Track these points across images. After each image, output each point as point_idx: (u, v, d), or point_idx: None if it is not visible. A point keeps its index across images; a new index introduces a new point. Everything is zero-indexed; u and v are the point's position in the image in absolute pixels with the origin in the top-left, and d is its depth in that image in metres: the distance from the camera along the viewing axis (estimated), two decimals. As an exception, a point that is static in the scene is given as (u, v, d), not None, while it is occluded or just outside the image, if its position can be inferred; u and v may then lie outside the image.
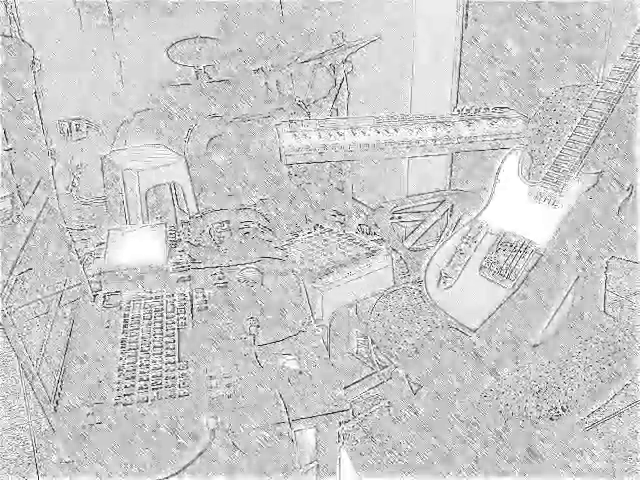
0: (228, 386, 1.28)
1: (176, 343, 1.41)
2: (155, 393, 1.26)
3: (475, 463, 1.63)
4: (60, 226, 1.56)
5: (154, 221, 2.65)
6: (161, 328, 1.48)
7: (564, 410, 1.54)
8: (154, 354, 1.38)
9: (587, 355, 1.65)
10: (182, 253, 1.80)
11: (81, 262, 1.64)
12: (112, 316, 1.54)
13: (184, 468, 1.13)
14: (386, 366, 2.01)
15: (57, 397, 1.25)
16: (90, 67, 3.09)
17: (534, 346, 1.68)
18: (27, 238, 1.30)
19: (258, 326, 1.48)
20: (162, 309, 1.55)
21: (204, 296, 1.61)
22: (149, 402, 1.25)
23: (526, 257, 1.74)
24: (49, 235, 1.46)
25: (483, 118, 2.41)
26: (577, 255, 1.71)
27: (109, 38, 3.10)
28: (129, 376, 1.32)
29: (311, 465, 1.29)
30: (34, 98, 2.57)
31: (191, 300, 1.59)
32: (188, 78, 3.12)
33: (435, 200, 2.43)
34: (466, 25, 2.58)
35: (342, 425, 1.26)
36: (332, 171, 3.04)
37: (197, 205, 2.83)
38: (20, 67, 2.49)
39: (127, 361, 1.36)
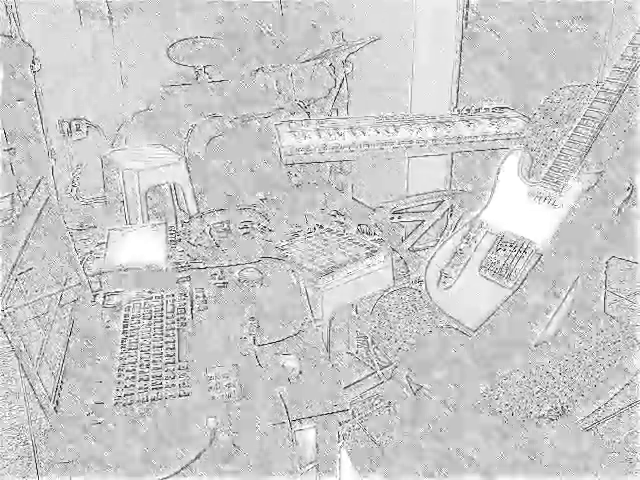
0: (228, 386, 1.28)
1: (176, 343, 1.41)
2: (155, 393, 1.26)
3: (475, 463, 1.63)
4: (60, 226, 1.56)
5: (154, 221, 2.65)
6: (161, 328, 1.48)
7: (564, 410, 1.54)
8: (154, 354, 1.38)
9: (587, 355, 1.65)
10: (182, 253, 1.80)
11: (81, 262, 1.64)
12: (112, 316, 1.54)
13: (184, 468, 1.13)
14: (386, 366, 2.01)
15: (57, 397, 1.25)
16: (90, 67, 3.09)
17: (534, 346, 1.68)
18: (27, 238, 1.30)
19: (258, 326, 1.48)
20: (162, 309, 1.55)
21: (204, 296, 1.60)
22: (149, 402, 1.25)
23: (526, 257, 1.74)
24: (49, 235, 1.46)
25: (483, 118, 2.41)
26: (577, 255, 1.71)
27: (109, 38, 3.10)
28: (129, 376, 1.32)
29: (311, 465, 1.29)
30: (34, 98, 2.57)
31: (191, 300, 1.59)
32: (188, 78, 3.13)
33: (435, 200, 2.43)
34: (466, 25, 2.58)
35: (342, 425, 1.26)
36: (332, 171, 3.05)
37: (197, 205, 2.83)
38: (20, 67, 2.49)
39: (127, 361, 1.36)
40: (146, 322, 1.50)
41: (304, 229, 2.22)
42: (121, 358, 1.37)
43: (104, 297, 1.61)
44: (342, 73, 2.85)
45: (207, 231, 1.99)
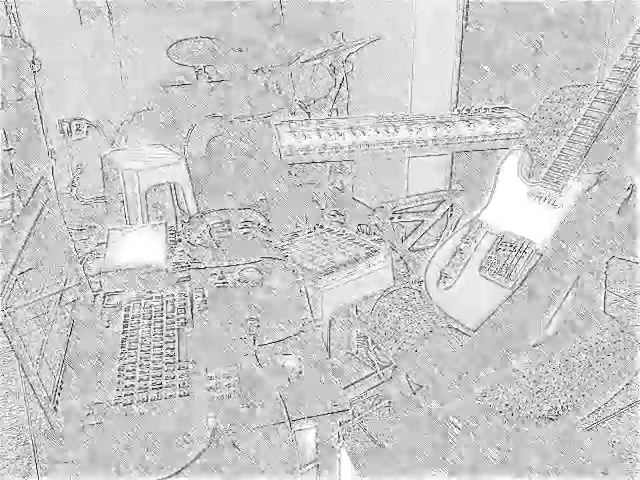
0: (228, 386, 1.28)
1: (176, 343, 1.41)
2: (155, 393, 1.26)
3: (474, 463, 1.63)
4: (60, 226, 1.56)
5: (154, 221, 2.65)
6: (161, 328, 1.48)
7: (564, 410, 1.54)
8: (154, 354, 1.38)
9: (587, 355, 1.65)
10: (182, 253, 1.79)
11: (81, 262, 1.64)
12: (112, 316, 1.54)
13: (184, 468, 1.13)
14: (386, 366, 2.01)
15: (57, 397, 1.25)
16: (90, 67, 3.09)
17: (534, 346, 1.68)
18: (27, 238, 1.30)
19: (258, 326, 1.48)
20: (162, 309, 1.55)
21: (204, 296, 1.60)
22: (149, 402, 1.25)
23: (526, 257, 1.74)
24: (49, 235, 1.46)
25: (483, 118, 2.41)
26: (577, 255, 1.71)
27: (109, 38, 3.10)
28: (129, 376, 1.32)
29: (311, 465, 1.29)
30: (34, 98, 2.57)
31: (191, 300, 1.59)
32: (188, 78, 3.13)
33: (435, 200, 2.43)
34: (466, 25, 2.58)
35: (342, 425, 1.26)
36: (332, 171, 3.05)
37: (197, 205, 2.83)
38: (20, 67, 2.49)
39: (127, 361, 1.36)
40: (146, 322, 1.50)
41: (304, 229, 2.22)
42: (121, 358, 1.37)
43: (104, 297, 1.61)
44: (342, 73, 2.85)
45: (207, 231, 1.99)
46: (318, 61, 2.90)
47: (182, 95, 3.12)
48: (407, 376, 1.85)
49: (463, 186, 2.73)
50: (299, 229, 2.22)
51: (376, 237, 2.28)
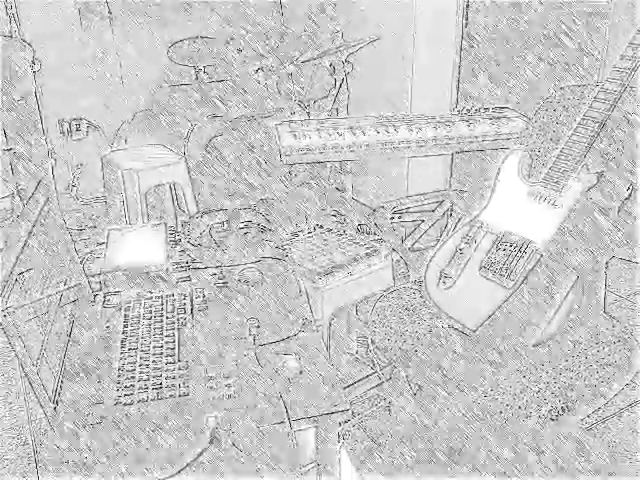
0: (228, 386, 1.28)
1: (176, 343, 1.41)
2: (155, 393, 1.26)
3: (475, 462, 1.63)
4: (60, 226, 1.56)
5: (154, 221, 2.65)
6: (161, 328, 1.48)
7: (564, 410, 1.54)
8: (154, 354, 1.38)
9: (587, 355, 1.65)
10: (182, 253, 1.80)
11: (81, 262, 1.64)
12: (112, 316, 1.54)
13: (184, 468, 1.13)
14: (386, 366, 2.01)
15: (57, 397, 1.25)
16: (90, 67, 3.09)
17: (534, 346, 1.68)
18: (27, 238, 1.30)
19: (258, 326, 1.48)
20: (162, 309, 1.55)
21: (204, 296, 1.60)
22: (149, 402, 1.25)
23: (526, 257, 1.74)
24: (49, 235, 1.46)
25: (483, 118, 2.41)
26: (577, 255, 1.71)
27: (109, 38, 3.10)
28: (129, 376, 1.32)
29: (311, 465, 1.29)
30: (34, 98, 2.57)
31: (191, 300, 1.59)
32: (188, 78, 3.13)
33: (435, 200, 2.43)
34: (466, 25, 2.58)
35: (342, 425, 1.26)
36: (332, 171, 3.05)
37: (197, 205, 2.83)
38: (20, 67, 2.49)
39: (127, 361, 1.36)
40: (146, 322, 1.50)
41: (304, 229, 2.22)
42: (121, 358, 1.37)
43: (104, 297, 1.61)
44: (342, 73, 2.85)
45: (207, 231, 1.99)
46: (318, 61, 2.90)
47: (182, 95, 3.12)
48: (407, 376, 1.85)
49: (463, 186, 2.73)
50: (299, 229, 2.22)
51: (376, 237, 2.28)
